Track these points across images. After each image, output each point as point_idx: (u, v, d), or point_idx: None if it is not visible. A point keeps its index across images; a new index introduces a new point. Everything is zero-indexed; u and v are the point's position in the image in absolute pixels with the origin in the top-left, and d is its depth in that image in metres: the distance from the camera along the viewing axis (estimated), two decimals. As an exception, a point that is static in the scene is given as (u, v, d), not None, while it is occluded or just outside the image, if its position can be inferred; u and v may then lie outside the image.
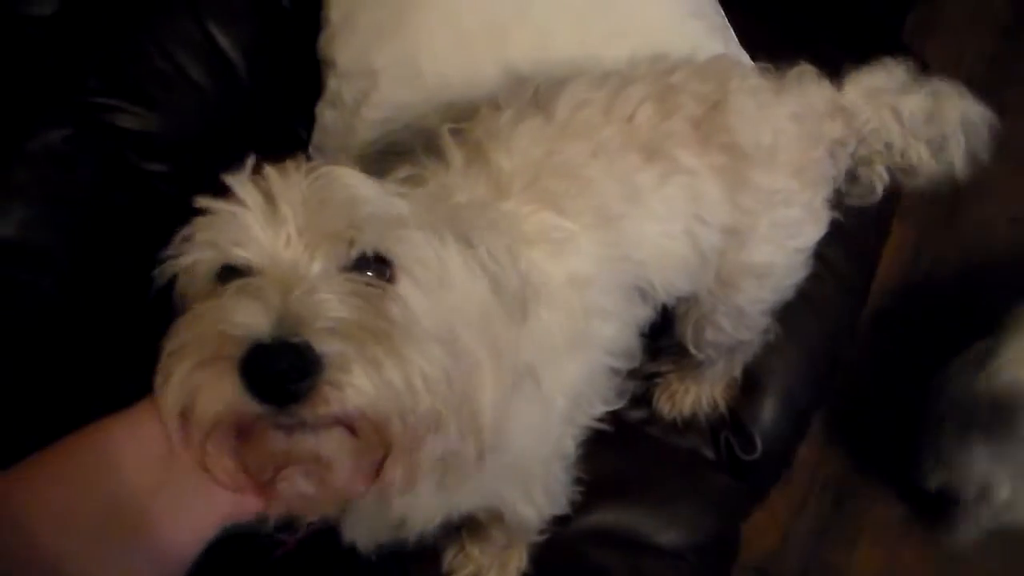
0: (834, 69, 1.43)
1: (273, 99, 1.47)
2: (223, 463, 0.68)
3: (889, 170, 1.27)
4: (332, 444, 0.68)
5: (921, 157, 1.25)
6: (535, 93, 1.07)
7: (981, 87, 2.32)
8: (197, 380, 0.66)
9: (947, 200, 2.25)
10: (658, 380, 1.43)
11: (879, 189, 1.28)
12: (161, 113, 1.36)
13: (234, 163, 0.76)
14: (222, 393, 0.64)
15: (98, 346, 1.19)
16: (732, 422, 1.42)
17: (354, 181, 0.73)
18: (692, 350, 1.27)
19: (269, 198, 0.72)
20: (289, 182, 0.72)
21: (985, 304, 2.12)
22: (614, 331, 1.04)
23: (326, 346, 0.64)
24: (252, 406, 0.64)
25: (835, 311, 1.50)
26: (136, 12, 1.38)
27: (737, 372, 1.42)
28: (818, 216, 1.19)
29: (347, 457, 0.69)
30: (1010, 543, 1.91)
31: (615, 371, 1.08)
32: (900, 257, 2.18)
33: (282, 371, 0.63)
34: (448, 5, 1.31)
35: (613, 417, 1.35)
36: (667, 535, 1.32)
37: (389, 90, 1.32)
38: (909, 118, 1.24)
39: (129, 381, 0.71)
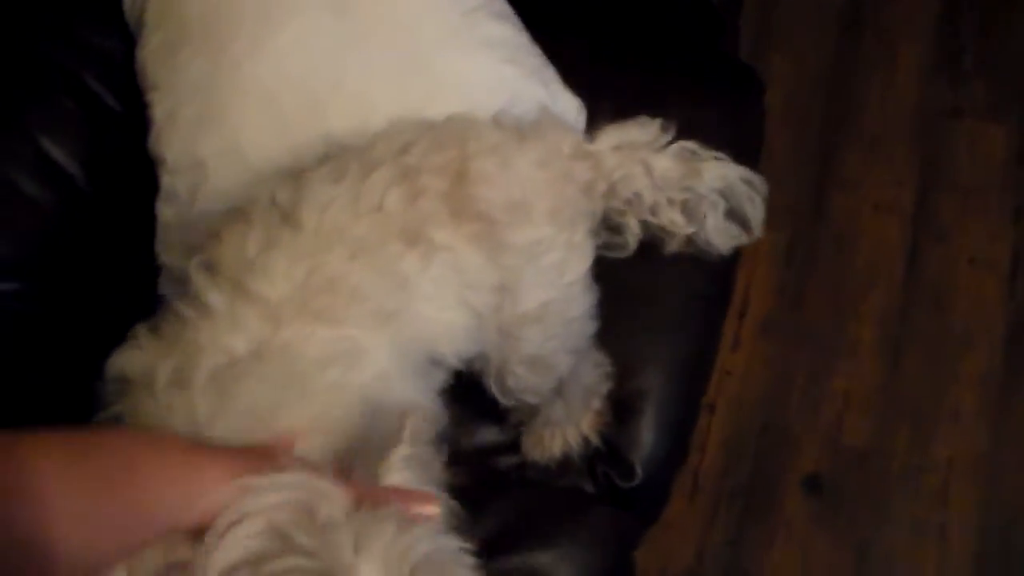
0: (664, 98, 1.48)
1: (115, 204, 1.47)
2: None
3: (644, 225, 1.30)
4: None
5: (674, 221, 1.30)
6: (274, 205, 1.07)
7: (829, 84, 2.43)
8: None
9: (813, 195, 2.30)
10: (523, 428, 1.44)
11: (632, 243, 1.31)
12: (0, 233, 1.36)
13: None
14: None
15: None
16: (608, 453, 1.42)
17: None
18: (502, 400, 1.27)
19: None
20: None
21: (857, 294, 2.20)
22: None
23: None
24: None
25: (694, 323, 1.51)
26: (-39, 134, 1.38)
27: (596, 406, 1.43)
28: (581, 250, 1.21)
29: None
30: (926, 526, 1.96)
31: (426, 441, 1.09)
32: (773, 258, 2.22)
33: None
34: (264, 88, 1.32)
35: (489, 469, 1.37)
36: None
37: (218, 179, 1.32)
38: (660, 176, 1.27)
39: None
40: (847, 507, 1.99)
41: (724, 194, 1.32)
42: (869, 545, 1.96)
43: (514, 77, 1.39)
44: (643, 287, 1.45)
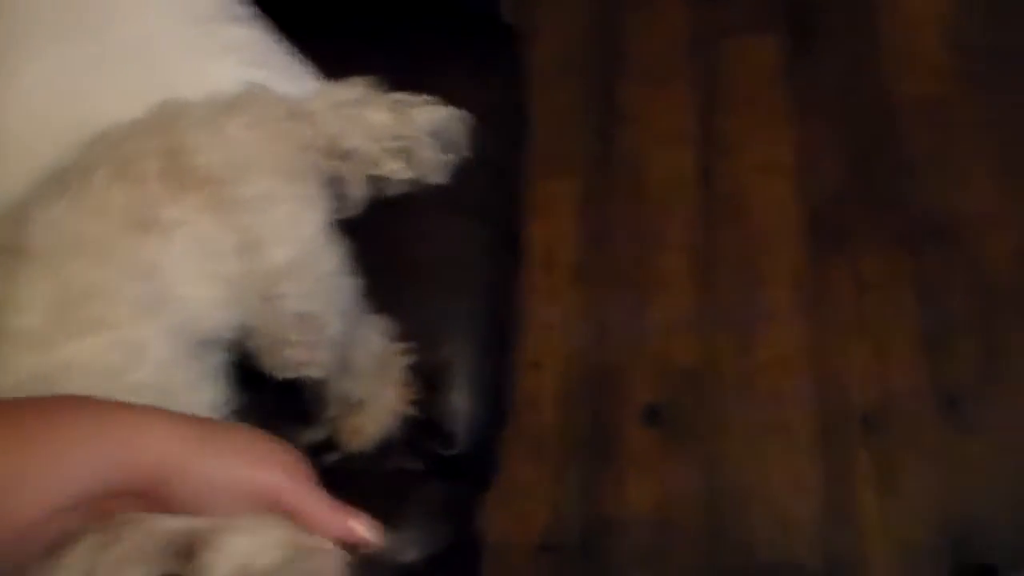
0: (422, 70, 1.48)
1: None
2: None
3: (369, 180, 1.31)
4: None
5: (392, 168, 1.31)
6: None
7: (600, 27, 2.47)
8: None
9: (600, 137, 2.35)
10: (337, 422, 1.41)
11: (360, 200, 1.31)
12: None
13: None
14: None
15: None
16: (427, 425, 1.41)
17: None
18: (281, 374, 1.25)
19: None
20: None
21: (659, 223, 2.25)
22: (209, 395, 1.08)
23: None
24: None
25: (487, 281, 1.51)
26: None
27: (397, 377, 1.42)
28: (313, 202, 1.21)
29: None
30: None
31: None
32: (571, 207, 2.26)
33: None
34: (14, 136, 1.27)
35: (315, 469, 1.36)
36: (405, 558, 1.33)
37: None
38: (375, 127, 1.29)
39: None
40: (690, 429, 2.04)
41: (436, 135, 1.34)
42: (718, 460, 2.00)
43: (263, 78, 1.37)
44: (426, 254, 1.46)
